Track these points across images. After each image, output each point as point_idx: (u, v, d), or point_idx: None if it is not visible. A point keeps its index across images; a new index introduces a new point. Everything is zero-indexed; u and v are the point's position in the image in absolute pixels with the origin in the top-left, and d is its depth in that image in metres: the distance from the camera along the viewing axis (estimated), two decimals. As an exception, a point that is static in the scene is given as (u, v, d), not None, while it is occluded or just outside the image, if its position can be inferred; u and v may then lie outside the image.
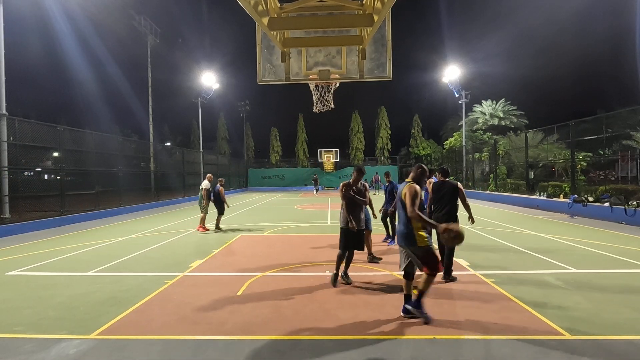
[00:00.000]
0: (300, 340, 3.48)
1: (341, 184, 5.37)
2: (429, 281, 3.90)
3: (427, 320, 3.83)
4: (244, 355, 3.22)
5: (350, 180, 5.37)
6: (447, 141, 32.90)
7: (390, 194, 7.97)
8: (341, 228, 5.34)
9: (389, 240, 8.11)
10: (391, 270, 5.92)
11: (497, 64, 51.76)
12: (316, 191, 30.41)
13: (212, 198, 10.52)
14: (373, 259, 6.46)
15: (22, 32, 34.55)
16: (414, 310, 3.92)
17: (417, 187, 3.98)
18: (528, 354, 3.18)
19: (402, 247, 4.08)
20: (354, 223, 5.20)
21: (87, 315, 4.17)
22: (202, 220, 10.40)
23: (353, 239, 5.23)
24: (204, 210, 10.44)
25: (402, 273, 4.16)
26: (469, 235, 9.10)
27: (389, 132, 44.41)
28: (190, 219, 13.49)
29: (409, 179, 4.12)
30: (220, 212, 10.65)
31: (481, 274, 5.55)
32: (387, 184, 8.19)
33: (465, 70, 29.04)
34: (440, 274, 4.63)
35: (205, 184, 10.49)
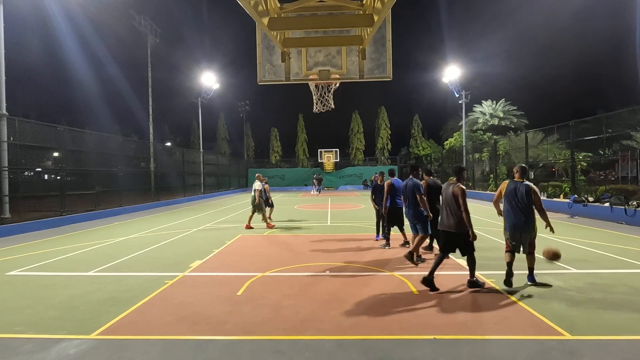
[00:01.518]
0: (300, 340, 3.48)
1: (462, 186, 4.97)
2: (534, 258, 5.06)
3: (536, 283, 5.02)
4: (244, 355, 3.22)
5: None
6: (447, 141, 32.91)
7: (381, 192, 8.04)
8: (467, 234, 4.84)
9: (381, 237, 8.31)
10: (391, 270, 5.92)
11: (497, 64, 51.84)
12: (319, 191, 30.36)
13: (263, 197, 11.20)
14: (419, 258, 6.36)
15: (22, 32, 34.57)
16: (533, 282, 5.06)
17: None
18: (528, 354, 3.18)
19: (518, 234, 4.97)
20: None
21: (87, 315, 4.17)
22: (265, 219, 11.01)
23: None
24: (262, 209, 10.87)
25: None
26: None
27: (389, 132, 44.42)
28: (191, 219, 13.49)
29: (518, 179, 5.14)
30: (270, 205, 11.90)
31: (481, 274, 5.54)
32: (376, 183, 8.34)
33: (465, 70, 29.05)
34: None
35: (258, 184, 10.82)
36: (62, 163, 13.00)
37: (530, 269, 5.12)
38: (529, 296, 4.59)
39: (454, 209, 4.89)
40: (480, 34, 66.08)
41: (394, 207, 7.38)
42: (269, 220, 11.12)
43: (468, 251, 4.91)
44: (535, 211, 5.01)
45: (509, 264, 5.03)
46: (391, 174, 7.83)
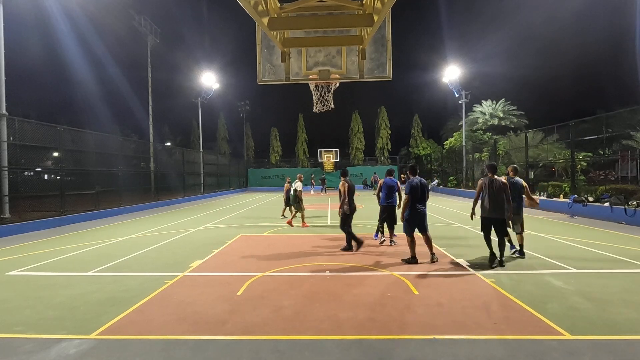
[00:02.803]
0: (300, 340, 3.49)
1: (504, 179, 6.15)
2: (522, 237, 6.75)
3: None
4: (244, 355, 3.22)
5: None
6: (447, 141, 32.90)
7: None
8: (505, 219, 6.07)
9: (382, 237, 8.29)
10: (391, 270, 5.92)
11: (497, 64, 51.71)
12: (324, 191, 30.45)
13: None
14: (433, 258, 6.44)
15: (22, 32, 34.53)
16: (522, 255, 6.64)
17: None
18: (528, 354, 3.18)
19: (516, 217, 6.55)
20: None
21: (87, 315, 4.17)
22: (293, 217, 11.50)
23: None
24: (301, 209, 11.33)
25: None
26: (469, 236, 9.10)
27: (389, 132, 44.42)
28: (190, 219, 13.49)
29: (513, 176, 6.79)
30: (288, 204, 12.59)
31: (481, 274, 5.55)
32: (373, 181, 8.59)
33: (465, 70, 29.08)
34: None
35: (299, 184, 11.28)
36: (62, 163, 12.99)
37: (521, 246, 6.71)
38: (529, 296, 4.59)
39: (501, 198, 5.91)
40: (480, 33, 66.02)
41: (385, 205, 7.79)
42: (291, 221, 11.45)
43: (505, 233, 6.02)
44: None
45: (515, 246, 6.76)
46: (388, 173, 8.06)
